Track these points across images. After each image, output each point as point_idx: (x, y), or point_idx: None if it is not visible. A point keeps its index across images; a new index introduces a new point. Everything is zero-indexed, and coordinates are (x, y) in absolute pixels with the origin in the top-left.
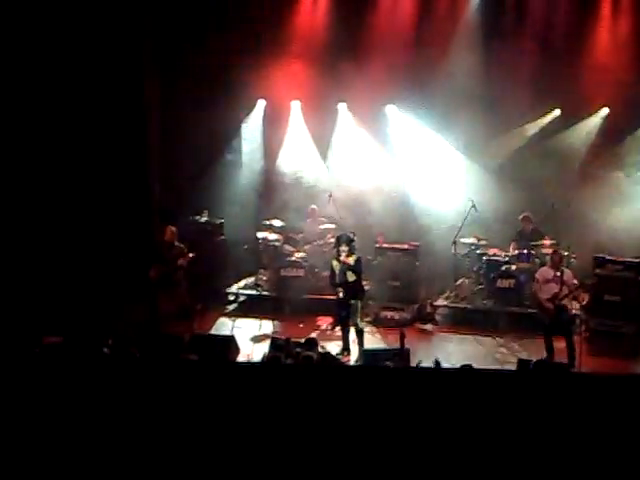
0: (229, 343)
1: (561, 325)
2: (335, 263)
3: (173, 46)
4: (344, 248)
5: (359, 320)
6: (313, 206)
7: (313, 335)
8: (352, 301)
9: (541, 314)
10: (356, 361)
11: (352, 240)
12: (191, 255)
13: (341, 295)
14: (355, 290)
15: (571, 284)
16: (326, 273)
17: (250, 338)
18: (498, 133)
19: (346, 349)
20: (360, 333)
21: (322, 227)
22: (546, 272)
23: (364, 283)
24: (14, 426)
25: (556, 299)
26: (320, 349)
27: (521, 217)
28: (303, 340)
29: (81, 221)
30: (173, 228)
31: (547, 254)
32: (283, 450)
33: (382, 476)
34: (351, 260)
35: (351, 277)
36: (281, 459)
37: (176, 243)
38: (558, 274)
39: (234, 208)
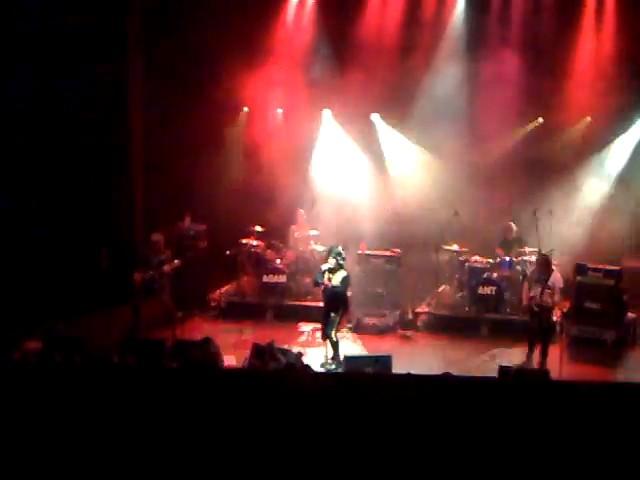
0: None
1: (539, 330)
2: (325, 273)
3: (158, 52)
4: (331, 260)
5: (332, 332)
6: (300, 210)
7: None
8: (332, 314)
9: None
10: (336, 368)
11: (339, 253)
12: (177, 262)
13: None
14: (337, 303)
15: (557, 288)
16: (308, 280)
17: (232, 344)
18: (481, 141)
19: (334, 358)
20: (333, 344)
21: (305, 233)
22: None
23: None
24: None
25: (533, 300)
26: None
27: (504, 226)
28: (286, 347)
29: (64, 225)
30: (160, 235)
31: (529, 262)
32: (264, 456)
33: None
34: (337, 279)
35: (335, 293)
36: (260, 466)
37: (162, 249)
38: (544, 277)
39: (217, 214)
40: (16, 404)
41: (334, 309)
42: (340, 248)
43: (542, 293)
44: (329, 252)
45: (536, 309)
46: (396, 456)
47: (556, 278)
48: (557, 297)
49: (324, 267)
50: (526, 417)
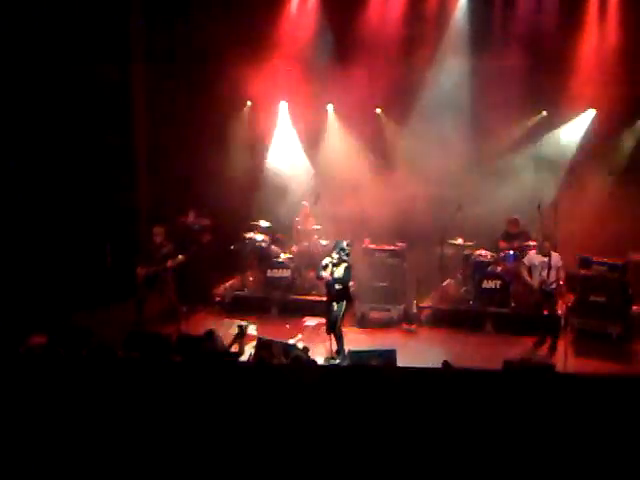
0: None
1: (546, 318)
2: (327, 267)
3: (161, 46)
4: (334, 255)
5: (337, 326)
6: (304, 203)
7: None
8: (335, 306)
9: (527, 299)
10: (341, 362)
11: (343, 249)
12: (181, 257)
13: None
14: (340, 296)
15: (559, 267)
16: (313, 274)
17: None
18: (485, 135)
19: (339, 352)
20: (338, 338)
21: (310, 227)
22: (534, 258)
23: (351, 284)
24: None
25: (544, 284)
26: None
27: (508, 220)
28: (291, 341)
29: (67, 220)
30: (162, 228)
31: (533, 255)
32: (268, 450)
33: (368, 476)
34: (340, 271)
35: (338, 286)
36: (265, 459)
37: (165, 243)
38: (546, 260)
39: (221, 208)
40: (20, 398)
41: (337, 302)
42: (345, 243)
43: (548, 275)
44: (334, 246)
45: (549, 288)
46: (401, 449)
47: (556, 258)
48: (562, 273)
49: (325, 261)
50: (531, 410)
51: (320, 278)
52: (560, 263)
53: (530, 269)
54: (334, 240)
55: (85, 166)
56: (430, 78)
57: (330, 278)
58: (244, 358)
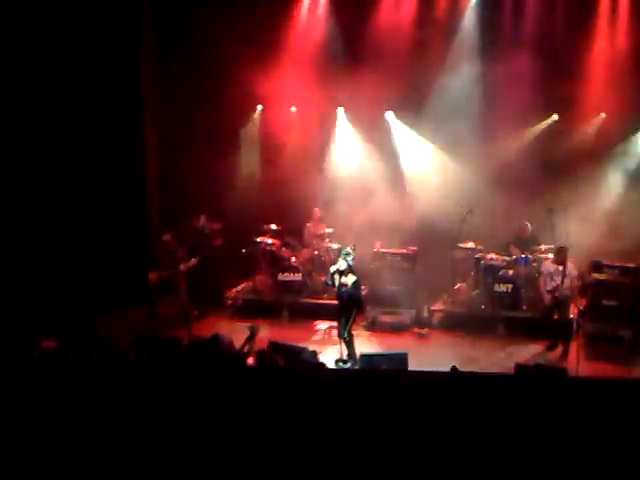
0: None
1: (558, 324)
2: (335, 275)
3: (171, 51)
4: (341, 262)
5: (346, 332)
6: (316, 209)
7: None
8: (346, 314)
9: (540, 306)
10: (351, 366)
11: (348, 254)
12: (193, 260)
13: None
14: (351, 305)
15: (574, 276)
16: (324, 277)
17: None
18: (496, 138)
19: (350, 356)
20: (347, 342)
21: (321, 232)
22: (550, 265)
23: (362, 287)
24: (11, 429)
25: (556, 291)
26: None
27: (519, 225)
28: (302, 345)
29: (79, 225)
30: (170, 234)
31: (545, 259)
32: (277, 453)
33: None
34: (348, 280)
35: (347, 294)
36: (274, 462)
37: (177, 248)
38: (561, 268)
39: (232, 212)
40: (32, 401)
41: (348, 310)
42: (349, 248)
43: (562, 282)
44: (339, 253)
45: (562, 296)
46: (411, 453)
47: (571, 267)
48: (576, 282)
49: (332, 269)
50: (543, 414)
51: (329, 286)
52: (575, 272)
53: (544, 278)
54: (339, 246)
55: (97, 170)
56: (441, 82)
57: (343, 286)
58: (251, 360)
